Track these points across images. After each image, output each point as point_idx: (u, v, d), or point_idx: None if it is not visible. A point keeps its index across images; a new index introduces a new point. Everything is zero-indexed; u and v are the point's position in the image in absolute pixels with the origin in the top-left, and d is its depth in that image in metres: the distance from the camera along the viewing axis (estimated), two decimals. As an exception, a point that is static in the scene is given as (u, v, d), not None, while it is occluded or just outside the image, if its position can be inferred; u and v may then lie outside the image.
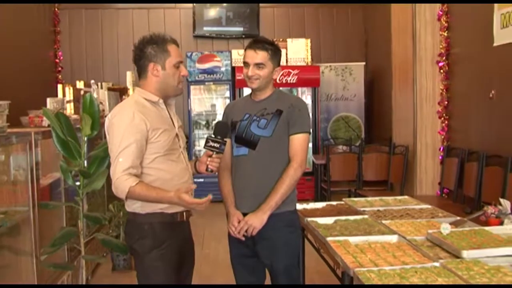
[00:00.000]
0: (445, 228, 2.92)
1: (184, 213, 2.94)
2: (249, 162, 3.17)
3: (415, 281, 2.26)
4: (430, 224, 3.27)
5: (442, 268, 2.43)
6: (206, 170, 2.98)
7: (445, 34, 6.76)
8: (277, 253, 3.16)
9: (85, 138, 3.64)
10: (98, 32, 10.05)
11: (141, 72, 2.91)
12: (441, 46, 6.82)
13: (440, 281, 2.25)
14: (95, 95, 5.78)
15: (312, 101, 9.31)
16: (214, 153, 2.94)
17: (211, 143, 2.94)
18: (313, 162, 9.02)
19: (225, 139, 2.99)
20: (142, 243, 2.84)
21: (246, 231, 3.09)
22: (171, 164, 2.87)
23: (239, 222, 3.11)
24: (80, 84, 6.43)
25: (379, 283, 2.25)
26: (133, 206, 2.86)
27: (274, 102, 3.22)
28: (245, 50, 3.23)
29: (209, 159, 2.97)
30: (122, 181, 2.67)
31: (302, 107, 3.24)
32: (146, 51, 2.86)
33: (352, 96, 9.76)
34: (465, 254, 2.56)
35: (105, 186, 5.95)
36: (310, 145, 9.33)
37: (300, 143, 3.17)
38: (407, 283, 2.24)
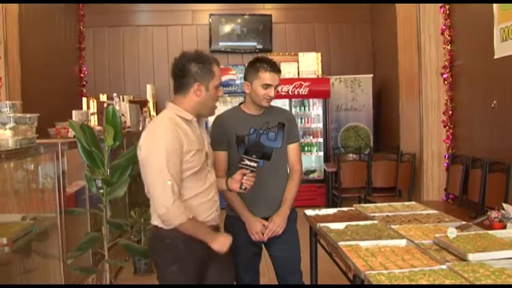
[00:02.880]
0: (452, 232, 2.90)
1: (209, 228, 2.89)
2: (264, 172, 3.24)
3: (424, 283, 2.25)
4: (437, 229, 3.24)
5: (449, 271, 2.41)
6: (240, 187, 3.00)
7: (449, 47, 6.75)
8: (292, 246, 3.44)
9: (108, 148, 3.66)
10: (119, 48, 10.14)
11: (180, 88, 2.76)
12: (445, 59, 6.80)
13: (448, 283, 2.23)
14: (117, 107, 5.81)
15: (323, 112, 9.30)
16: (249, 171, 2.96)
17: (247, 162, 2.95)
18: (324, 170, 9.00)
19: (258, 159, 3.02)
20: (164, 256, 2.76)
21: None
22: (198, 182, 2.79)
23: (264, 226, 3.27)
24: (103, 97, 6.48)
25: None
26: (156, 221, 2.77)
27: (272, 116, 3.40)
28: (264, 71, 3.27)
29: (244, 177, 2.98)
30: (179, 210, 2.62)
31: (295, 119, 3.62)
32: (191, 69, 2.71)
33: (361, 107, 9.75)
34: (471, 257, 2.54)
35: (126, 194, 6.02)
36: (321, 153, 9.34)
37: (297, 151, 3.49)
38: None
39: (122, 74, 10.14)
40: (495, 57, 5.54)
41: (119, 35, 10.14)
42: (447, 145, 6.87)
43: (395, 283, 2.26)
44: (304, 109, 9.46)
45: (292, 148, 3.45)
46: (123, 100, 7.28)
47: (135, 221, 5.63)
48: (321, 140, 9.36)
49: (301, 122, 9.39)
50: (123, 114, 6.36)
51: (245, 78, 3.36)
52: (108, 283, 3.86)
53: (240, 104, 3.51)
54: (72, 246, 3.75)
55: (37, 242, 3.74)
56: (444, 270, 2.41)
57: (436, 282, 2.24)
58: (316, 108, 9.46)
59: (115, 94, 6.05)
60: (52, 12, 7.85)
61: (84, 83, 9.56)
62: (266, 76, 3.27)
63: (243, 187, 2.99)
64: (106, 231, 3.77)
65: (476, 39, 6.07)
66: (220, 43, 10.04)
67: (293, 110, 9.30)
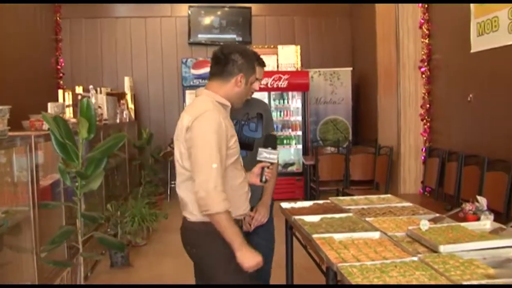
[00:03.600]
0: (424, 224, 2.94)
1: (242, 220, 2.98)
2: (247, 162, 3.26)
3: (394, 274, 2.27)
4: (410, 221, 3.27)
5: (420, 262, 2.44)
6: (261, 181, 3.01)
7: (427, 41, 6.81)
8: (271, 234, 3.59)
9: (82, 141, 3.63)
10: (97, 40, 10.06)
11: (221, 75, 2.77)
12: (423, 53, 6.86)
13: (418, 274, 2.26)
14: (93, 99, 5.77)
15: (302, 105, 9.34)
16: (269, 163, 2.98)
17: (266, 154, 2.96)
18: (303, 163, 9.03)
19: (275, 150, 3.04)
20: (222, 253, 2.64)
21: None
22: (238, 173, 2.81)
23: (250, 217, 3.36)
24: (79, 89, 6.42)
25: (361, 277, 2.26)
26: (196, 211, 2.67)
27: (251, 107, 3.48)
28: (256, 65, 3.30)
29: (266, 170, 2.99)
30: (219, 197, 2.53)
31: (270, 110, 3.69)
32: (237, 60, 2.75)
33: (340, 100, 9.79)
34: (442, 248, 2.57)
35: (103, 187, 6.00)
36: (300, 146, 9.38)
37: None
38: (386, 277, 2.25)
39: (100, 66, 10.07)
40: (472, 51, 5.61)
41: (97, 27, 10.06)
42: (424, 138, 6.94)
43: (367, 275, 2.28)
44: (283, 102, 9.48)
45: None
46: (100, 93, 7.22)
47: (111, 214, 5.62)
48: (300, 133, 9.40)
49: (280, 115, 9.41)
50: (99, 107, 6.32)
51: None
52: (82, 276, 3.84)
53: None
54: (47, 240, 3.71)
55: (10, 236, 3.69)
56: (415, 262, 2.44)
57: (407, 274, 2.27)
58: (295, 101, 9.49)
59: (91, 86, 5.99)
60: (27, 2, 7.74)
61: (61, 75, 9.47)
62: (257, 71, 3.30)
63: (263, 179, 3.00)
64: (81, 224, 3.74)
65: (454, 33, 6.13)
66: (199, 35, 10.00)
67: (272, 103, 9.31)
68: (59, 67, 9.46)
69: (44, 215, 4.00)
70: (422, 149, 6.96)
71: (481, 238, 2.73)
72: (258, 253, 2.66)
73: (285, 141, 9.41)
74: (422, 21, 6.83)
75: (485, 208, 4.02)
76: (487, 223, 3.20)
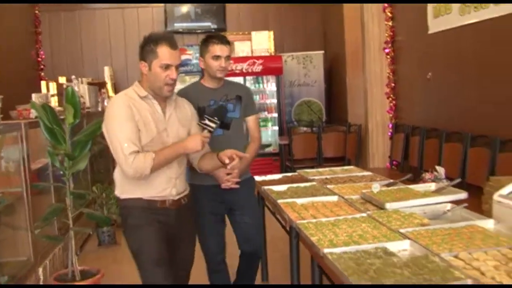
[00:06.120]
0: (376, 187, 3.31)
1: (166, 201, 2.98)
2: (224, 140, 3.47)
3: (344, 227, 2.64)
4: (366, 187, 3.63)
5: (367, 217, 2.81)
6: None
7: (390, 23, 7.14)
8: (256, 210, 3.83)
9: (69, 126, 3.93)
10: (76, 31, 10.22)
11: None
12: (386, 35, 7.19)
13: (364, 226, 2.63)
14: (76, 89, 6.06)
15: (276, 88, 9.63)
16: (206, 131, 2.99)
17: (207, 122, 2.99)
18: (279, 143, 9.37)
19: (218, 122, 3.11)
20: (127, 223, 2.99)
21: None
22: None
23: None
24: (62, 80, 6.70)
25: (315, 230, 2.62)
26: (116, 191, 3.03)
27: (230, 89, 3.67)
28: (213, 44, 3.50)
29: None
30: (141, 162, 2.77)
31: (251, 93, 3.87)
32: (143, 49, 2.89)
33: (313, 82, 10.08)
34: (388, 205, 2.95)
35: (89, 171, 6.31)
36: (276, 128, 9.71)
37: (257, 122, 3.81)
38: (337, 229, 2.61)
39: (80, 57, 10.25)
40: (429, 32, 5.98)
41: (75, 19, 10.23)
42: (390, 115, 7.30)
43: (320, 228, 2.64)
44: (259, 86, 9.76)
45: (251, 120, 3.75)
46: (81, 83, 7.49)
47: (97, 196, 5.93)
48: (275, 115, 9.71)
49: (256, 98, 9.69)
50: (82, 96, 6.60)
51: (200, 55, 3.63)
52: (73, 251, 4.15)
53: (200, 79, 3.74)
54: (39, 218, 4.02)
55: (5, 215, 3.98)
56: (364, 217, 2.82)
57: (354, 226, 2.64)
58: (270, 85, 9.77)
59: (73, 76, 6.28)
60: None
61: (42, 67, 9.65)
62: (215, 48, 3.50)
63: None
64: (70, 202, 4.05)
65: (414, 15, 6.48)
66: (176, 24, 10.21)
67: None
68: (39, 59, 9.64)
69: (38, 197, 4.30)
70: (388, 126, 7.34)
71: (422, 196, 3.12)
72: (193, 136, 3.00)
73: (261, 123, 9.70)
74: (386, 4, 7.17)
75: (443, 176, 4.39)
76: (432, 184, 3.59)
